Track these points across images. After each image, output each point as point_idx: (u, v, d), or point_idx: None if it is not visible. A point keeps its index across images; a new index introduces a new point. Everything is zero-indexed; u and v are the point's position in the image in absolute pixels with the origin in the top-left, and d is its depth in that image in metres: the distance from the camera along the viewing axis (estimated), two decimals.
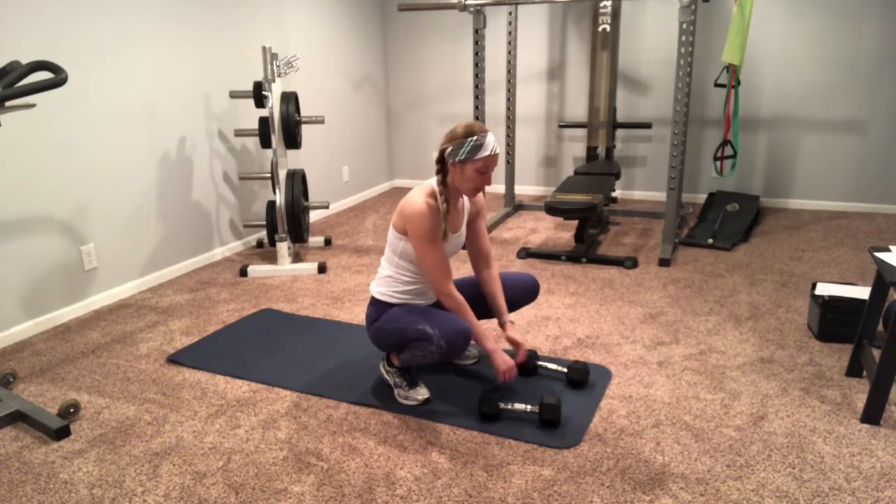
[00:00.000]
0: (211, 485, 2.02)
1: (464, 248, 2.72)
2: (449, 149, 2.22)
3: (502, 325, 2.50)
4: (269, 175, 4.08)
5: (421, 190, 2.28)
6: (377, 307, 2.43)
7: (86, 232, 3.37)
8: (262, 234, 4.64)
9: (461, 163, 2.21)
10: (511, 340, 2.46)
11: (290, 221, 3.96)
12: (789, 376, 2.59)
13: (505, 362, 2.32)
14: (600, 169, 4.76)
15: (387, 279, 2.42)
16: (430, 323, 2.25)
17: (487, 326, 3.11)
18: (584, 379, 2.50)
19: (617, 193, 5.63)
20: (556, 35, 5.52)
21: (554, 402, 2.25)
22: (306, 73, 4.97)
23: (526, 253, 4.15)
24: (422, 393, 2.46)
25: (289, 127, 3.91)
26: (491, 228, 4.84)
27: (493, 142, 2.23)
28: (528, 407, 2.33)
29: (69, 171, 3.24)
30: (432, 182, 2.32)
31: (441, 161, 2.26)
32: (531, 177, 5.93)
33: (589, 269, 3.91)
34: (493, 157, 2.22)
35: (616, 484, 1.98)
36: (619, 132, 5.51)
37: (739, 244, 4.33)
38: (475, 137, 2.19)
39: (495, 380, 2.35)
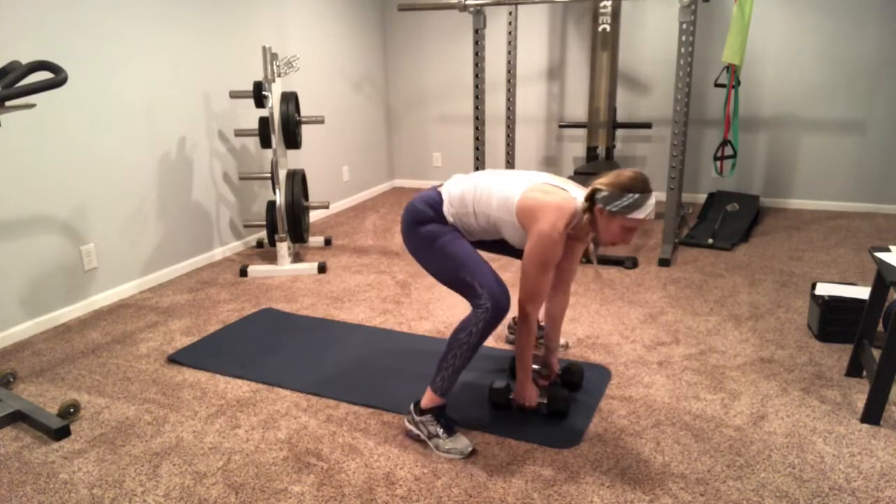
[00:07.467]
0: (211, 485, 2.02)
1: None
2: (604, 193, 2.01)
3: (551, 350, 2.53)
4: (269, 175, 4.08)
5: (559, 209, 2.05)
6: (427, 216, 2.23)
7: (86, 232, 3.37)
8: (262, 234, 4.64)
9: (611, 214, 2.02)
10: (551, 368, 2.51)
11: (290, 221, 3.96)
12: (789, 376, 2.59)
13: (531, 398, 2.30)
14: (600, 169, 4.75)
15: (462, 211, 2.22)
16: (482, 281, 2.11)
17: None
18: (578, 381, 2.50)
19: None
20: (556, 35, 5.52)
21: (563, 393, 2.27)
22: (306, 73, 4.97)
23: None
24: (463, 441, 2.14)
25: (289, 127, 3.91)
26: None
27: (653, 204, 2.01)
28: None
29: (69, 171, 3.24)
30: (570, 195, 2.10)
31: (591, 199, 2.06)
32: None
33: (589, 269, 3.90)
34: (645, 221, 2.03)
35: (616, 484, 1.98)
36: (619, 132, 5.50)
37: (739, 244, 4.33)
38: (637, 196, 1.98)
39: (513, 399, 2.36)
